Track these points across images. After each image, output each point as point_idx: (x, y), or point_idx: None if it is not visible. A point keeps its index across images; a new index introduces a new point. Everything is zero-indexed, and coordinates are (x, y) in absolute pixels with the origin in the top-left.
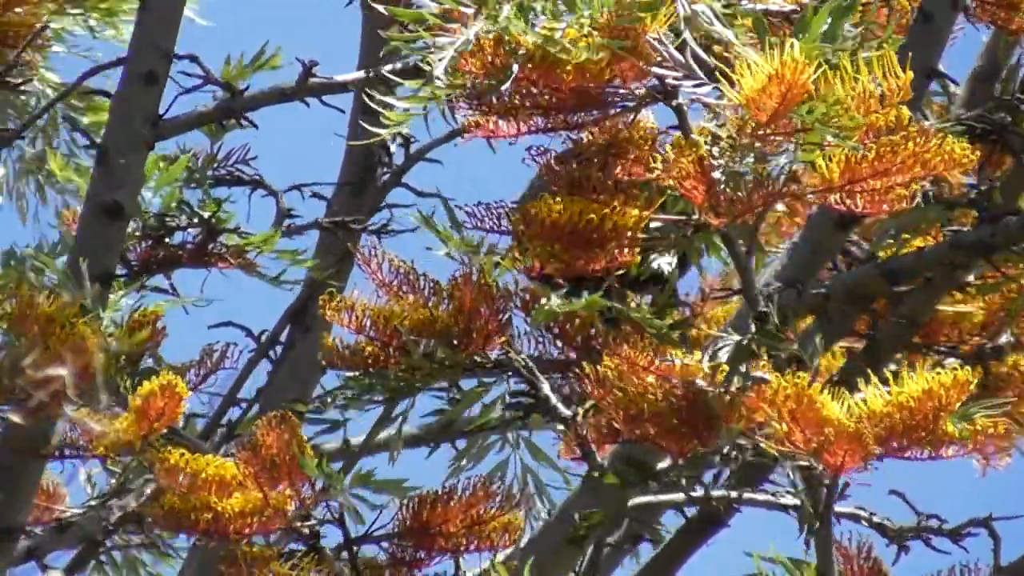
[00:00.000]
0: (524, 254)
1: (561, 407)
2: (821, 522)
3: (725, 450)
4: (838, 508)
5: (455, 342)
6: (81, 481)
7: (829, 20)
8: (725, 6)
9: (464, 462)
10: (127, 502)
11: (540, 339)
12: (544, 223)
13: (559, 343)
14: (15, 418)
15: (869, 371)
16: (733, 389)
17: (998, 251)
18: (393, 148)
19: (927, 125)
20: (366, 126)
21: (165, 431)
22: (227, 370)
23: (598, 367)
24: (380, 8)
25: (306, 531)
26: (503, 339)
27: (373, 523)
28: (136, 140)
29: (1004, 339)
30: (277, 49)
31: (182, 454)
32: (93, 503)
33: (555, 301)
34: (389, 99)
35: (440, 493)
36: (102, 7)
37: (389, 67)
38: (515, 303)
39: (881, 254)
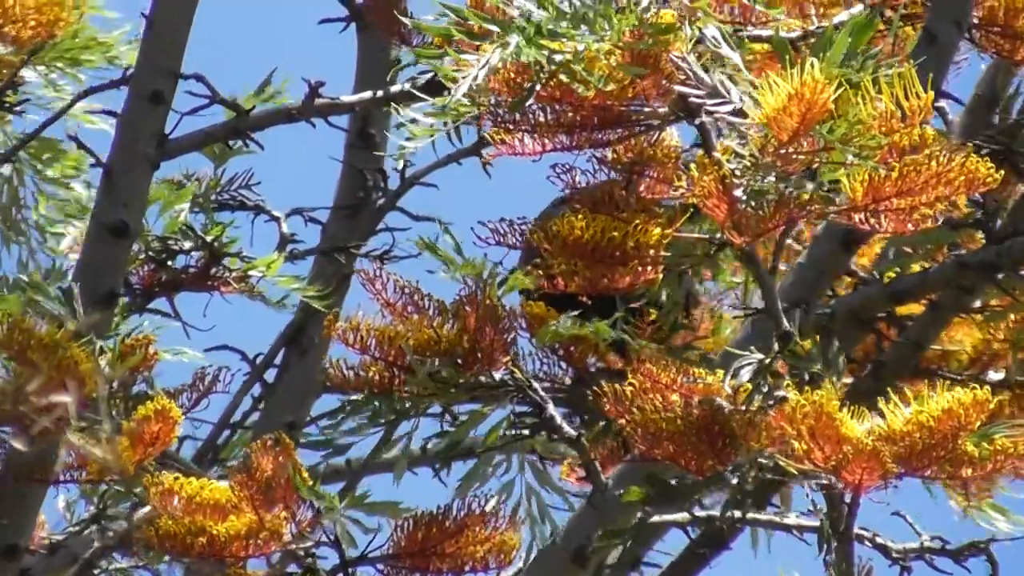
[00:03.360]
0: (547, 271)
1: (567, 427)
2: (840, 540)
3: (744, 468)
4: None
5: (460, 362)
6: (60, 508)
7: (849, 40)
8: (734, 31)
9: (472, 483)
10: (119, 525)
11: (545, 360)
12: (567, 240)
13: (563, 364)
14: (15, 444)
15: (876, 394)
16: (754, 408)
17: (1004, 271)
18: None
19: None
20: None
21: (159, 455)
22: (219, 393)
23: (616, 385)
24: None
25: (302, 553)
26: (508, 359)
27: (369, 544)
28: (141, 160)
29: (1000, 376)
30: (283, 84)
31: (176, 478)
32: (75, 529)
33: (563, 323)
34: (414, 114)
35: (435, 514)
36: (67, 56)
37: (397, 87)
38: (520, 323)
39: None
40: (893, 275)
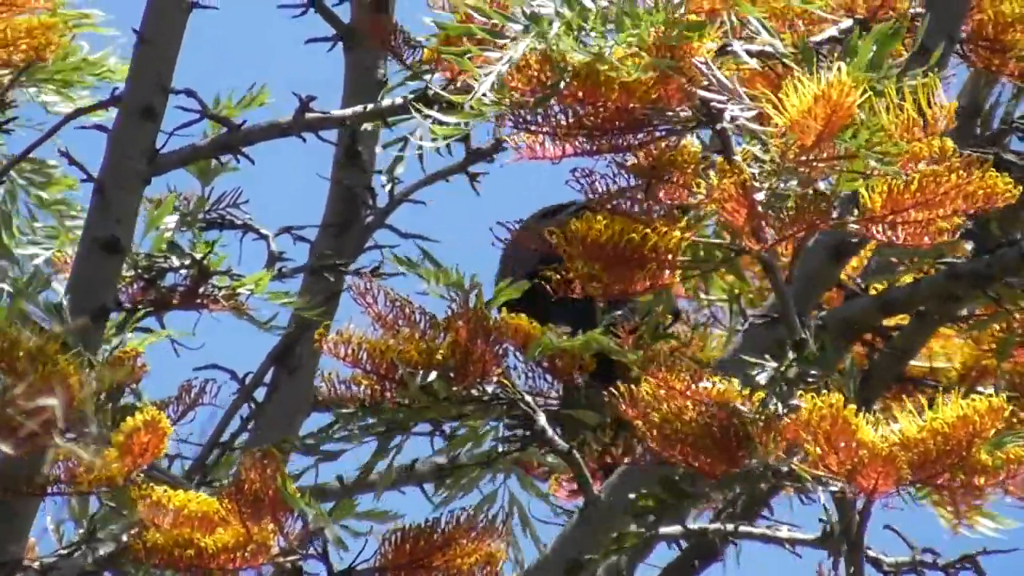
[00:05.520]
0: (567, 273)
1: (558, 439)
2: (851, 548)
3: (757, 473)
4: None
5: (452, 374)
6: (49, 529)
7: (874, 48)
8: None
9: (454, 492)
10: (108, 547)
11: (531, 373)
12: (586, 242)
13: (549, 377)
14: (3, 450)
15: (864, 404)
16: (770, 413)
17: (995, 282)
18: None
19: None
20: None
21: (146, 468)
22: (208, 406)
23: (632, 387)
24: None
25: (289, 566)
26: (499, 371)
27: (356, 557)
28: (133, 175)
29: (989, 391)
30: (261, 88)
31: (165, 490)
32: (66, 552)
33: (553, 336)
34: (435, 113)
35: (423, 526)
36: (57, 78)
37: (388, 102)
38: (508, 336)
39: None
40: (880, 286)
